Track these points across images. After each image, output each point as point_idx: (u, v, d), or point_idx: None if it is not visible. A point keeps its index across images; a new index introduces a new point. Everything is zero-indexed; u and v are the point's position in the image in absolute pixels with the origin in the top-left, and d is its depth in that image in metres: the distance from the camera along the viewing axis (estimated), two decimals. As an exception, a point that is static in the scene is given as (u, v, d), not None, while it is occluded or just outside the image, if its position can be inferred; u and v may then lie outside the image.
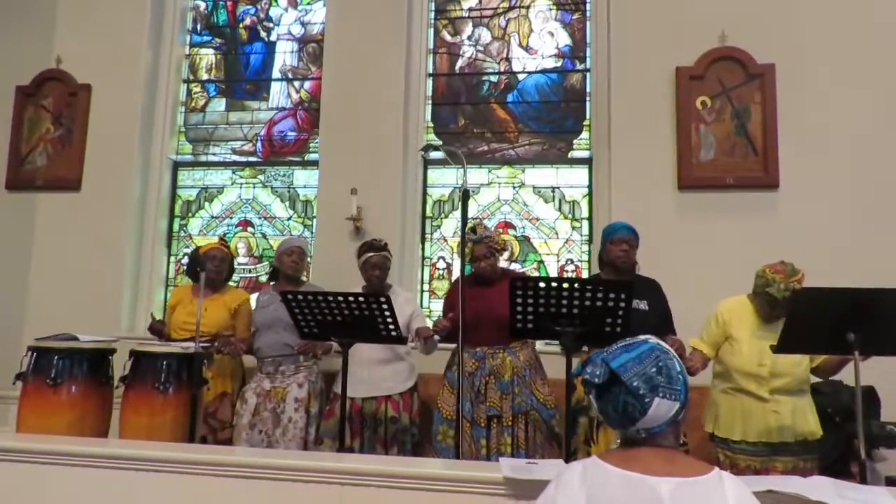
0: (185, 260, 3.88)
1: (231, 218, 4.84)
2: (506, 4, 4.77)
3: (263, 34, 5.06)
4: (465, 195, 2.93)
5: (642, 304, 2.96)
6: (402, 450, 3.25)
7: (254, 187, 4.85)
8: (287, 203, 4.80)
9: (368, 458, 2.72)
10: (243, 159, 4.90)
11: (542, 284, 2.47)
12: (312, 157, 4.75)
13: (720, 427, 2.69)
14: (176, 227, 4.89)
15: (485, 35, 4.77)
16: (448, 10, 4.83)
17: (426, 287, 4.50)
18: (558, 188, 4.50)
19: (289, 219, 4.77)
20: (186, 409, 2.98)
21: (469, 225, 3.27)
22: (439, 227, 4.57)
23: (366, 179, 4.32)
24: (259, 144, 4.89)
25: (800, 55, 4.05)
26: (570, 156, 4.54)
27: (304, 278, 4.25)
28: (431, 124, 4.68)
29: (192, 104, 5.04)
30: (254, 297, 3.83)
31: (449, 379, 3.18)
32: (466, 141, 4.62)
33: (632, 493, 1.23)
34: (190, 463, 2.11)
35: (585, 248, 4.38)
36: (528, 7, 4.74)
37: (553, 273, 4.38)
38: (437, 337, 3.15)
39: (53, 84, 4.81)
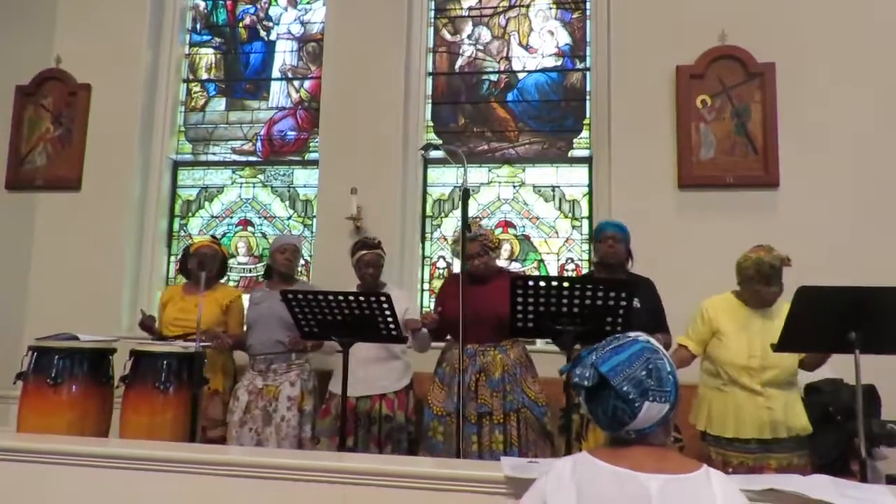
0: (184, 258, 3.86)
1: (231, 217, 4.84)
2: (506, 3, 4.77)
3: (263, 33, 5.06)
4: (466, 194, 2.93)
5: (634, 302, 2.96)
6: (397, 448, 3.24)
7: (254, 187, 4.85)
8: (287, 202, 4.80)
9: (371, 458, 2.72)
10: (243, 159, 4.90)
11: (542, 284, 2.48)
12: (312, 156, 4.74)
13: (713, 425, 2.69)
14: (176, 226, 4.89)
15: (485, 34, 4.77)
16: (448, 9, 4.83)
17: (426, 286, 4.50)
18: (558, 187, 4.50)
19: (289, 218, 4.77)
20: (187, 409, 2.98)
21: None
22: (439, 226, 4.57)
23: (366, 179, 4.31)
24: (259, 144, 4.89)
25: (800, 54, 4.05)
26: (570, 155, 4.54)
27: (305, 278, 4.26)
28: (431, 123, 4.68)
29: (192, 104, 5.04)
30: (246, 296, 3.82)
31: (439, 375, 3.17)
32: (466, 140, 4.62)
33: (621, 488, 1.23)
34: (191, 462, 2.11)
35: (585, 247, 4.38)
36: (528, 6, 4.73)
37: (553, 272, 4.38)
38: (424, 329, 3.14)
39: (53, 84, 4.81)
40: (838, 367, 3.29)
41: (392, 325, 2.80)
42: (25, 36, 4.89)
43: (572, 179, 4.49)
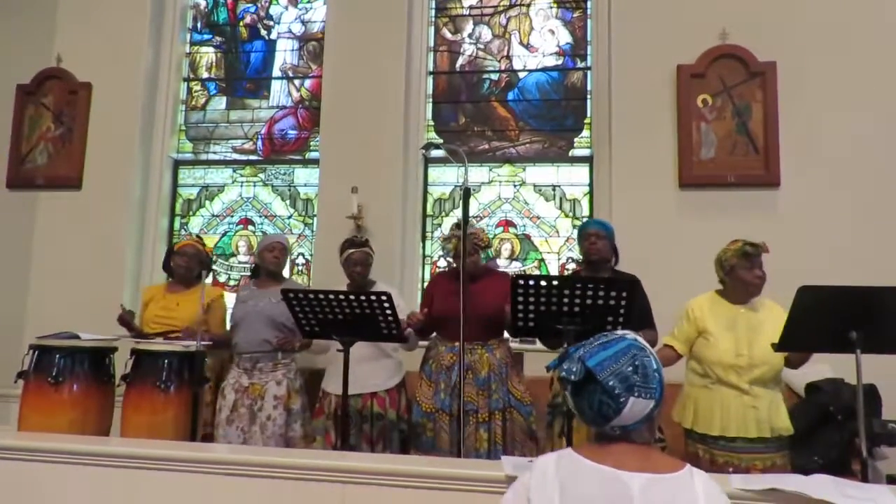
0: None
1: (232, 216, 4.84)
2: (506, 2, 4.77)
3: (264, 32, 5.05)
4: (466, 193, 2.93)
5: None
6: (389, 446, 3.24)
7: (254, 186, 4.85)
8: (288, 201, 4.80)
9: (371, 457, 2.72)
10: (244, 158, 4.90)
11: (543, 283, 2.47)
12: (313, 155, 4.74)
13: (699, 422, 2.69)
14: (177, 225, 4.89)
15: (485, 33, 4.77)
16: (448, 8, 4.82)
17: (427, 285, 4.50)
18: (559, 186, 4.50)
19: (289, 217, 4.77)
20: (188, 408, 2.98)
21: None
22: (440, 225, 4.57)
23: (366, 178, 4.31)
24: (259, 143, 4.89)
25: (801, 53, 4.04)
26: (570, 154, 4.53)
27: (299, 278, 4.26)
28: (432, 122, 4.68)
29: (193, 102, 5.04)
30: (230, 295, 3.81)
31: (426, 372, 3.17)
32: (467, 139, 4.62)
33: (603, 486, 1.24)
34: (192, 461, 2.11)
35: (586, 246, 4.37)
36: (528, 5, 4.73)
37: (554, 271, 4.38)
38: (409, 329, 3.14)
39: (54, 82, 4.81)
40: (839, 366, 3.30)
41: (393, 324, 2.80)
42: (26, 35, 4.89)
43: (573, 179, 4.49)
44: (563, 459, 1.31)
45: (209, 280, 4.66)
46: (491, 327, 3.06)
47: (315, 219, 4.61)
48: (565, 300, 2.46)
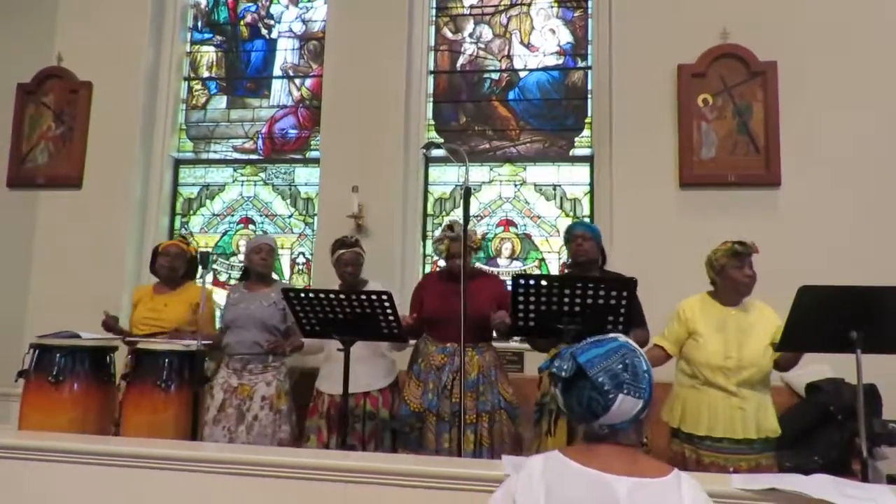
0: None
1: (232, 216, 4.84)
2: (507, 2, 4.77)
3: (264, 31, 5.05)
4: (467, 193, 2.94)
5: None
6: (381, 446, 3.24)
7: (255, 185, 4.85)
8: (288, 201, 4.80)
9: (372, 457, 2.72)
10: (244, 157, 4.90)
11: (543, 283, 2.48)
12: (314, 154, 4.74)
13: (686, 422, 2.69)
14: (177, 224, 4.89)
15: (486, 32, 4.76)
16: (449, 8, 4.82)
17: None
18: (559, 186, 4.50)
19: (290, 216, 4.77)
20: (188, 407, 2.99)
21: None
22: (440, 224, 4.57)
23: (367, 177, 4.31)
24: (260, 142, 4.89)
25: (802, 53, 4.04)
26: (571, 153, 4.53)
27: (308, 278, 4.26)
28: (433, 122, 4.68)
29: (194, 102, 5.04)
30: (220, 293, 3.79)
31: (415, 372, 3.18)
32: (468, 139, 4.62)
33: (589, 489, 1.24)
34: (192, 460, 2.11)
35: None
36: (529, 4, 4.73)
37: (554, 271, 4.38)
38: None
39: (54, 81, 4.81)
40: (839, 366, 3.30)
41: (394, 324, 2.80)
42: (27, 34, 4.89)
43: (573, 178, 4.49)
44: (550, 461, 1.31)
45: (210, 278, 4.68)
46: (481, 329, 3.07)
47: (315, 218, 4.61)
48: (566, 300, 2.46)
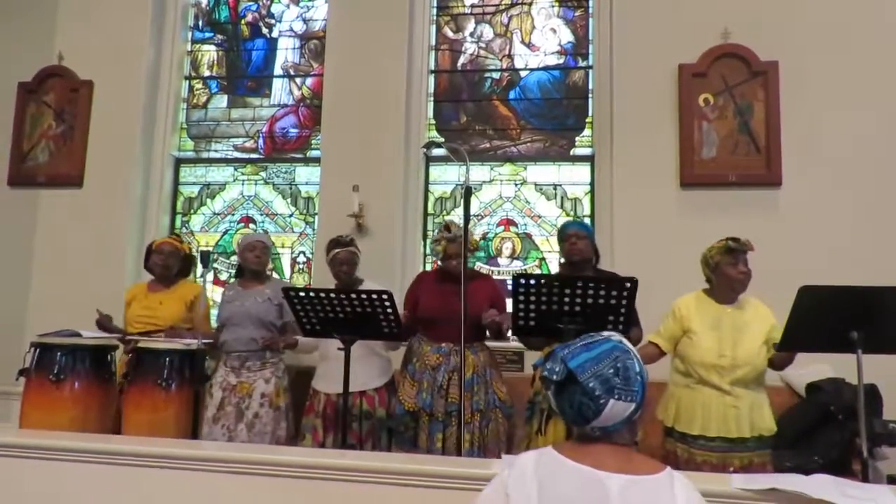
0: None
1: (233, 215, 4.84)
2: (508, 1, 4.76)
3: (265, 31, 5.05)
4: (468, 192, 2.93)
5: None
6: (377, 445, 3.25)
7: (255, 184, 4.86)
8: (289, 200, 4.80)
9: (373, 456, 2.72)
10: (245, 156, 4.90)
11: (544, 282, 2.48)
12: (314, 153, 4.74)
13: (680, 421, 2.69)
14: (178, 223, 4.89)
15: (487, 32, 4.76)
16: (450, 7, 4.82)
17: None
18: (560, 185, 4.49)
19: (290, 216, 4.77)
20: (189, 406, 2.99)
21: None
22: (441, 224, 4.57)
23: (368, 176, 4.31)
24: (261, 141, 4.89)
25: (803, 52, 4.04)
26: (572, 153, 4.53)
27: (308, 277, 4.26)
28: (433, 121, 4.68)
29: (194, 101, 5.04)
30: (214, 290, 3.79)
31: (409, 371, 3.19)
32: (468, 138, 4.62)
33: (581, 486, 1.24)
34: (193, 459, 2.11)
35: (587, 245, 4.37)
36: (530, 4, 4.73)
37: (555, 270, 4.38)
38: None
39: (55, 80, 4.81)
40: (840, 366, 3.30)
41: (394, 323, 2.80)
42: (27, 32, 4.89)
43: (574, 178, 4.49)
44: (543, 457, 1.30)
45: (210, 277, 4.68)
46: (476, 329, 3.07)
47: (316, 217, 4.61)
48: (566, 299, 2.46)
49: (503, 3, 4.77)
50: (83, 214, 4.62)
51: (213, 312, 4.10)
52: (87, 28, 4.83)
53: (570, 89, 4.60)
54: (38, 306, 4.59)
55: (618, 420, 1.28)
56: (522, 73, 4.66)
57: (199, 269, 4.24)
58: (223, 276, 4.75)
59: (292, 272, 4.70)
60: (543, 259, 4.43)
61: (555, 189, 4.50)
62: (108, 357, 3.13)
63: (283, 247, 4.71)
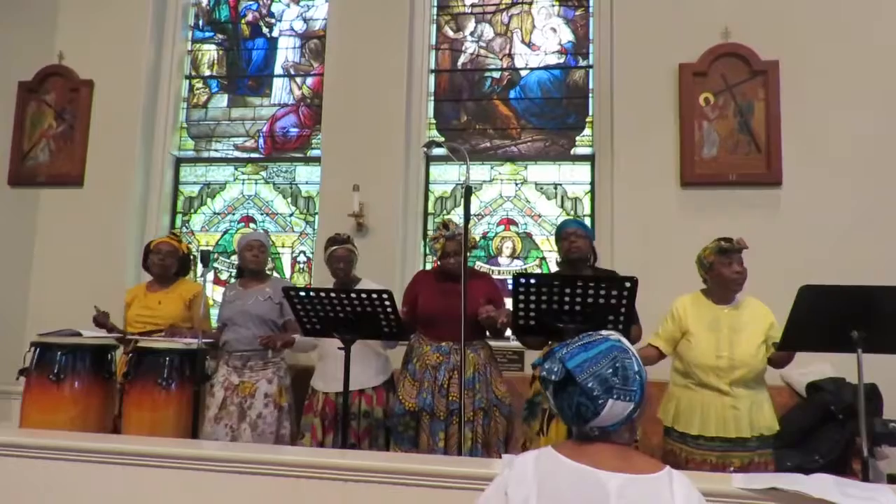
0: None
1: (233, 214, 4.84)
2: (508, 0, 4.76)
3: (265, 30, 5.05)
4: (468, 192, 2.93)
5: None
6: (374, 444, 3.24)
7: (256, 183, 4.85)
8: (289, 199, 4.80)
9: (373, 455, 2.73)
10: (245, 155, 4.90)
11: (544, 281, 2.47)
12: (314, 153, 4.74)
13: (679, 421, 2.69)
14: (178, 223, 4.89)
15: (487, 31, 4.76)
16: (450, 6, 4.82)
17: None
18: (560, 185, 4.49)
19: (291, 215, 4.77)
20: (189, 405, 2.99)
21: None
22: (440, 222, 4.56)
23: (368, 176, 4.31)
24: (261, 140, 4.89)
25: (804, 52, 4.03)
26: (572, 152, 4.53)
27: (309, 277, 4.25)
28: (433, 121, 4.68)
29: (195, 100, 5.04)
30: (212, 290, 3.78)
31: (409, 370, 3.18)
32: (469, 137, 4.61)
33: (580, 485, 1.23)
34: (193, 459, 2.11)
35: (588, 244, 4.37)
36: (530, 3, 4.72)
37: (554, 270, 4.37)
38: None
39: (55, 80, 4.81)
40: (840, 366, 3.30)
41: (394, 322, 2.80)
42: (28, 32, 4.89)
43: (574, 177, 4.49)
44: (543, 457, 1.31)
45: (210, 276, 4.68)
46: (475, 328, 3.07)
47: (316, 217, 4.61)
48: (566, 299, 2.45)
49: (503, 2, 4.77)
50: (83, 214, 4.62)
51: (213, 312, 4.11)
52: (87, 28, 4.83)
53: (571, 89, 4.60)
54: (38, 305, 4.59)
55: (617, 420, 1.28)
56: (523, 73, 4.66)
57: (200, 268, 4.24)
58: (223, 276, 4.75)
59: (293, 272, 4.70)
60: (544, 258, 4.43)
61: (555, 188, 4.50)
62: (109, 357, 3.13)
63: (283, 246, 4.71)
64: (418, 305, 3.23)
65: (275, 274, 4.49)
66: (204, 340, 3.09)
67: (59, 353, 2.93)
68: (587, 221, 4.39)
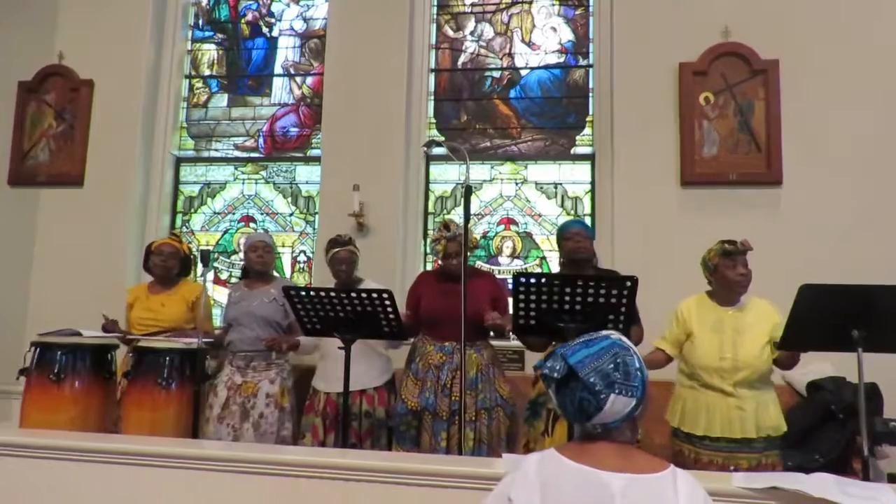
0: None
1: (233, 214, 4.84)
2: (508, 0, 4.76)
3: (265, 30, 5.05)
4: (468, 191, 2.93)
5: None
6: (376, 444, 3.25)
7: (256, 183, 4.85)
8: (289, 199, 4.80)
9: (373, 455, 2.73)
10: (245, 155, 4.90)
11: (544, 281, 2.47)
12: (315, 152, 4.74)
13: (685, 422, 2.69)
14: (178, 223, 4.89)
15: (487, 30, 4.76)
16: (450, 6, 4.81)
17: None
18: (561, 184, 4.49)
19: (291, 215, 4.77)
20: (189, 405, 2.99)
21: (442, 221, 3.31)
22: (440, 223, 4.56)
23: (368, 175, 4.31)
24: (261, 140, 4.89)
25: (804, 51, 4.03)
26: (572, 152, 4.53)
27: (309, 276, 4.26)
28: (434, 120, 4.68)
29: (195, 100, 5.03)
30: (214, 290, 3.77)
31: (412, 370, 3.18)
32: (469, 137, 4.61)
33: (584, 486, 1.24)
34: (193, 458, 2.11)
35: (588, 244, 4.37)
36: (530, 2, 4.72)
37: (555, 269, 4.38)
38: None
39: (56, 79, 4.81)
40: (841, 365, 3.30)
41: (394, 322, 2.80)
42: (28, 31, 4.89)
43: (575, 176, 4.49)
44: (546, 459, 1.31)
45: (211, 276, 4.68)
46: (478, 328, 3.07)
47: (317, 216, 4.61)
48: (566, 298, 2.45)
49: (503, 1, 4.77)
50: (83, 213, 4.62)
51: (215, 312, 4.11)
52: (87, 27, 4.83)
53: (571, 88, 4.59)
54: (38, 305, 4.59)
55: (619, 416, 1.28)
56: (523, 72, 4.66)
57: (200, 268, 4.24)
58: (223, 276, 4.76)
59: (293, 271, 4.70)
60: (544, 258, 4.43)
61: (555, 188, 4.50)
62: (109, 356, 3.13)
63: (283, 246, 4.71)
64: (421, 306, 3.23)
65: (292, 275, 4.49)
66: (204, 340, 3.10)
67: (59, 352, 2.94)
68: (587, 221, 4.39)
